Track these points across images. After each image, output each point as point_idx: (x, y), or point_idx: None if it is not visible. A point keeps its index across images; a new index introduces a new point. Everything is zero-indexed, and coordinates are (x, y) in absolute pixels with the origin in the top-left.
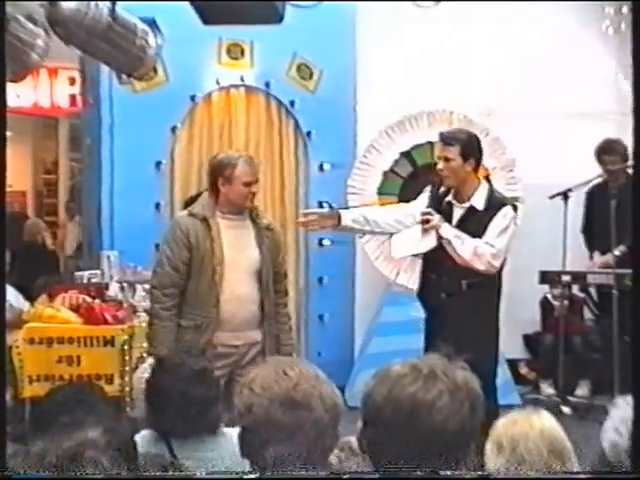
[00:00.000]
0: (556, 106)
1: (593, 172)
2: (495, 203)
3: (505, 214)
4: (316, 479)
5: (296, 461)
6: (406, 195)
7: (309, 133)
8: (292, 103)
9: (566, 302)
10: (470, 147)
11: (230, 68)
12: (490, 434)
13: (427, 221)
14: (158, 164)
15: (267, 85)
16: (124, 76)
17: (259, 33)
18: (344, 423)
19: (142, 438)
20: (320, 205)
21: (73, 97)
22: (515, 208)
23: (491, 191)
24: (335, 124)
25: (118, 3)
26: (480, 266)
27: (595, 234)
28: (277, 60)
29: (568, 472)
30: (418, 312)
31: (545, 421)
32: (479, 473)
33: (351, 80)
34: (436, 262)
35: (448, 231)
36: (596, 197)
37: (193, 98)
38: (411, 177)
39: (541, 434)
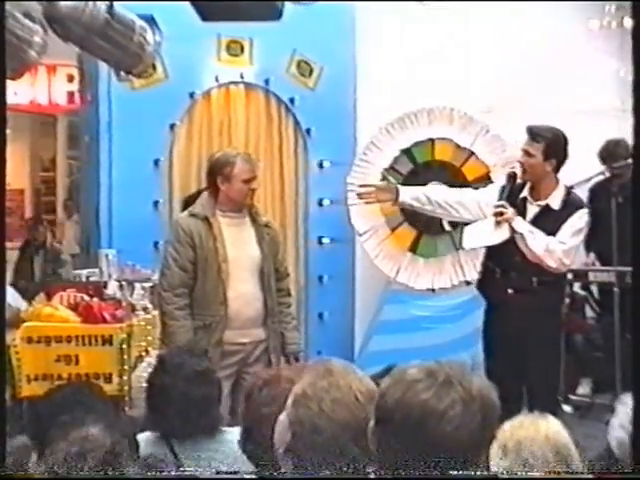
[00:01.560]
0: (557, 103)
1: (595, 169)
2: (572, 204)
3: (581, 216)
4: (316, 479)
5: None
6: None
7: (309, 130)
8: (292, 100)
9: (567, 300)
10: (555, 147)
11: (229, 65)
12: (497, 437)
13: (501, 214)
14: (157, 162)
15: (267, 82)
16: (122, 73)
17: (258, 30)
18: None
19: (143, 440)
20: (320, 203)
21: (71, 94)
22: (590, 213)
23: (569, 192)
24: (335, 121)
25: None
26: (552, 263)
27: (597, 232)
28: (276, 57)
29: (570, 472)
30: (419, 310)
31: (551, 425)
32: (486, 473)
33: (351, 77)
34: (504, 256)
35: (522, 225)
36: (599, 195)
37: (192, 95)
38: (411, 174)
39: (547, 439)
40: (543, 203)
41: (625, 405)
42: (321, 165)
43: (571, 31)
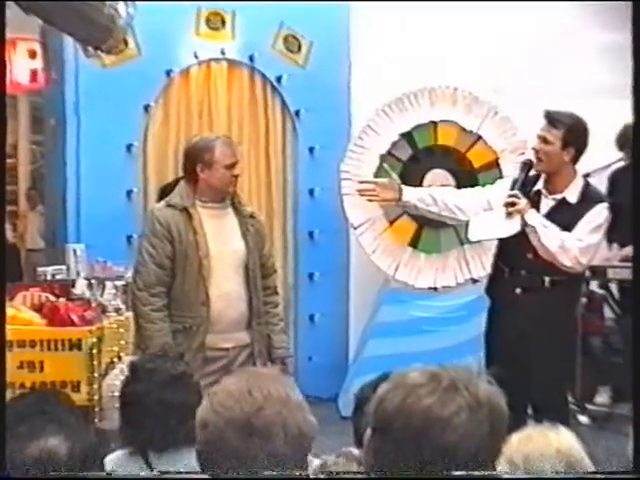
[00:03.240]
0: (570, 82)
1: (613, 155)
2: (591, 197)
3: (600, 211)
4: (316, 479)
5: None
6: (406, 181)
7: (298, 112)
8: (279, 79)
9: (584, 299)
10: (575, 135)
11: (210, 40)
12: (503, 451)
13: (513, 204)
14: (129, 147)
15: (251, 59)
16: (91, 49)
17: (242, 1)
18: (337, 434)
19: (116, 459)
20: (310, 193)
21: (34, 72)
22: (612, 207)
23: (587, 185)
24: (327, 102)
25: None
26: (566, 261)
27: (617, 224)
28: (262, 31)
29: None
30: (419, 311)
31: (563, 438)
32: (486, 473)
33: (345, 53)
34: (513, 254)
35: (535, 218)
36: (617, 183)
37: (169, 73)
38: (411, 161)
39: (558, 452)
40: (559, 196)
41: None
42: (312, 150)
43: (582, 4)
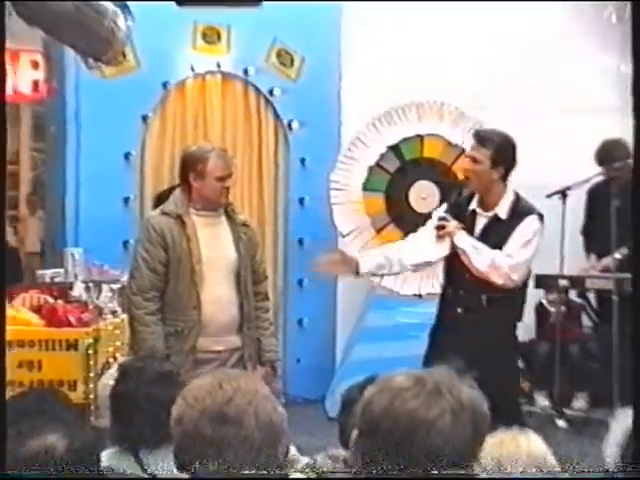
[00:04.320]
0: (554, 99)
1: (593, 169)
2: (520, 212)
3: (529, 224)
4: (320, 479)
5: (227, 477)
6: (393, 192)
7: (290, 124)
8: (271, 91)
9: (563, 308)
10: (504, 153)
11: (205, 53)
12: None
13: (442, 227)
14: (127, 155)
15: (245, 72)
16: (91, 60)
17: (237, 16)
18: (324, 434)
19: (107, 456)
20: (301, 202)
21: (36, 82)
22: (542, 218)
23: (517, 199)
24: (318, 115)
25: None
26: (497, 279)
27: (595, 236)
28: (256, 45)
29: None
30: (405, 317)
31: (532, 443)
32: (474, 473)
33: (335, 68)
34: (454, 274)
35: (464, 240)
36: (598, 197)
37: (165, 85)
38: (398, 172)
39: (528, 456)
40: (491, 213)
41: (619, 422)
42: (303, 161)
43: (569, 23)
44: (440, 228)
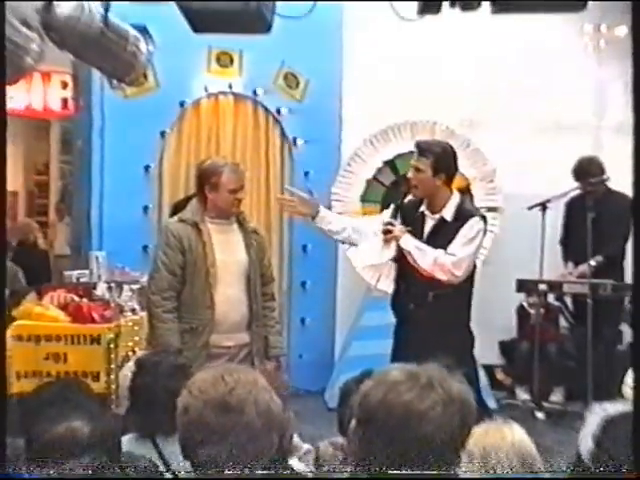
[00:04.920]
0: (536, 119)
1: (571, 184)
2: (464, 214)
3: (472, 225)
4: (316, 479)
5: (229, 462)
6: (388, 202)
7: (295, 140)
8: (278, 111)
9: (542, 310)
10: (443, 161)
11: (219, 76)
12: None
13: (388, 232)
14: (147, 168)
15: (254, 93)
16: (115, 81)
17: (248, 42)
18: (324, 424)
19: (126, 442)
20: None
21: (65, 101)
22: (484, 219)
23: (461, 202)
24: (320, 132)
25: (110, 10)
26: (442, 276)
27: (572, 245)
28: (265, 69)
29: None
30: None
31: (516, 433)
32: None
33: (337, 90)
34: (406, 272)
35: (408, 242)
36: (574, 209)
37: (182, 104)
38: (393, 185)
39: (512, 445)
40: (438, 216)
41: (594, 414)
42: (306, 174)
43: (551, 49)
44: (386, 232)
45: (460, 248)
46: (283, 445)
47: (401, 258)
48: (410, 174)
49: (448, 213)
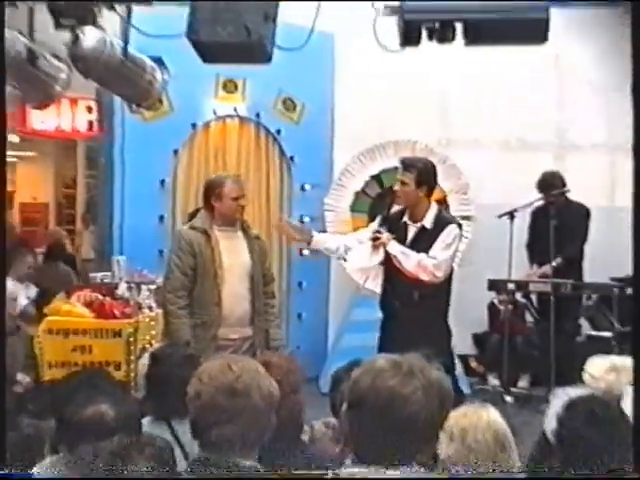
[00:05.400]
0: (504, 138)
1: (535, 195)
2: (442, 222)
3: (450, 232)
4: (319, 479)
5: (237, 441)
6: (374, 212)
7: (292, 157)
8: (278, 131)
9: (510, 306)
10: (425, 175)
11: (225, 101)
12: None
13: (376, 239)
14: (162, 182)
15: (257, 116)
16: (134, 106)
17: (251, 71)
18: (319, 406)
19: (145, 424)
20: (301, 219)
21: (90, 123)
22: (460, 226)
23: (439, 212)
24: (315, 150)
25: (130, 43)
26: (424, 277)
27: (536, 248)
28: (265, 95)
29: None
30: None
31: (491, 414)
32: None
33: (329, 113)
34: (392, 275)
35: (394, 247)
36: (538, 217)
37: (193, 126)
38: (379, 197)
39: (487, 426)
40: (419, 225)
41: (557, 397)
42: (302, 187)
43: (519, 78)
44: (375, 239)
45: (440, 252)
46: (299, 423)
47: (388, 262)
48: (396, 187)
49: (428, 222)
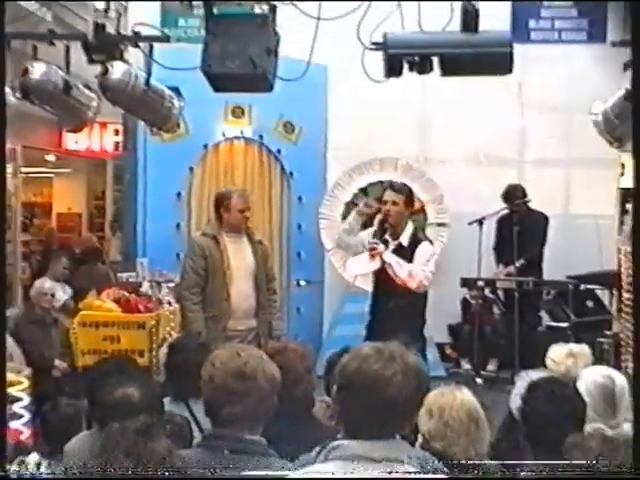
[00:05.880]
0: (474, 156)
1: (500, 205)
2: (416, 240)
3: (424, 247)
4: (319, 479)
5: (244, 418)
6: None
7: (291, 173)
8: (279, 151)
9: (480, 301)
10: (411, 198)
11: (233, 125)
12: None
13: (374, 249)
14: (179, 194)
15: (260, 137)
16: (155, 129)
17: (255, 98)
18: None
19: (166, 403)
20: (299, 227)
21: (117, 144)
22: (431, 242)
23: (414, 231)
24: (310, 167)
25: (151, 75)
26: (413, 284)
27: (502, 251)
28: (268, 119)
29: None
30: None
31: (465, 395)
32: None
33: (323, 134)
34: (384, 281)
35: (389, 257)
36: (503, 224)
37: (206, 146)
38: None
39: (462, 405)
40: (397, 242)
41: (521, 379)
42: (300, 199)
43: (484, 102)
44: (372, 249)
45: (424, 265)
46: (312, 398)
47: (380, 270)
48: (388, 206)
49: (405, 239)
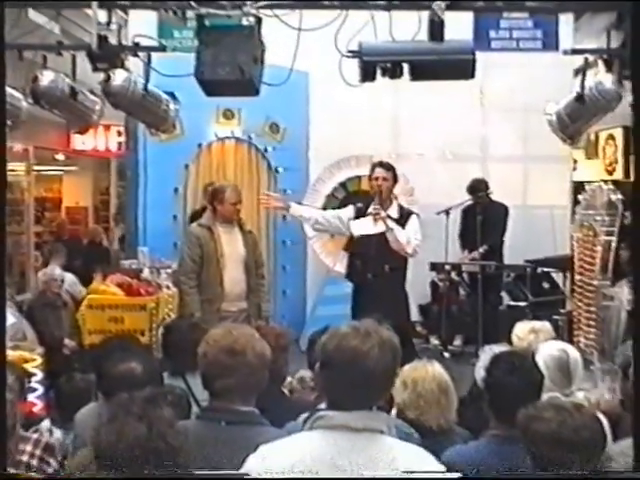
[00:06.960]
0: (440, 153)
1: (465, 196)
2: (405, 213)
3: (414, 219)
4: (320, 479)
5: (237, 390)
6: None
7: (277, 169)
8: (266, 149)
9: (447, 283)
10: (395, 174)
11: (224, 126)
12: (398, 375)
13: (377, 213)
14: (176, 189)
15: (249, 137)
16: (154, 130)
17: (244, 102)
18: (299, 361)
19: (165, 377)
20: (283, 217)
21: (120, 144)
22: (418, 216)
23: (400, 206)
24: (294, 163)
25: (149, 81)
26: (410, 250)
27: (467, 238)
28: (256, 120)
29: (448, 400)
30: (349, 289)
31: (436, 368)
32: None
33: (305, 134)
34: (365, 250)
35: (391, 222)
36: (468, 214)
37: (200, 145)
38: (344, 199)
39: (433, 377)
40: (386, 214)
41: (485, 353)
42: (285, 192)
43: (450, 105)
44: (376, 214)
45: (415, 235)
46: (280, 375)
47: (358, 240)
48: (379, 182)
49: (394, 212)
